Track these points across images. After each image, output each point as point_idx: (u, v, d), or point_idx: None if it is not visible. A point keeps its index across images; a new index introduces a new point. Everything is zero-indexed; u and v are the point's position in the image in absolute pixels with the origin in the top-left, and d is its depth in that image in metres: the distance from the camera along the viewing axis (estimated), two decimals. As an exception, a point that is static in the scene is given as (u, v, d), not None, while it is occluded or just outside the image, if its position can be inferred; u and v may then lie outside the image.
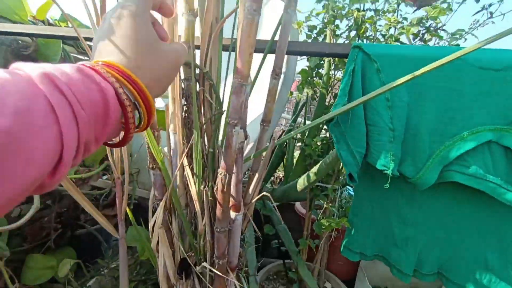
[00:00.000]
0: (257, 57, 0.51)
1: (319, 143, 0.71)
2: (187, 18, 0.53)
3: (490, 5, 0.73)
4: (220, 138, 0.56)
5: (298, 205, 1.07)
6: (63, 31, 0.72)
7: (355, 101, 0.40)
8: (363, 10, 0.80)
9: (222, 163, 0.47)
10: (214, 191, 0.53)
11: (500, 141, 0.51)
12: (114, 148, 0.62)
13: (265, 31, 0.75)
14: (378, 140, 0.53)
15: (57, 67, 0.22)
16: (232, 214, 0.52)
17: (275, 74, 0.56)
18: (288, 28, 0.54)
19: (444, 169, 0.53)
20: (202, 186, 0.52)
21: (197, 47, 0.55)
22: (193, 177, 0.52)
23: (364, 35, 0.77)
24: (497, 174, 0.52)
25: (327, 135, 0.86)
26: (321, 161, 0.68)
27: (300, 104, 0.90)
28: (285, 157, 0.97)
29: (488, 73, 0.49)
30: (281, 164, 1.03)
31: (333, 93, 0.81)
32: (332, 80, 0.76)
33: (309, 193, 0.83)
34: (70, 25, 1.24)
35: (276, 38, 0.53)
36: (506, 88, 0.49)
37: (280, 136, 1.02)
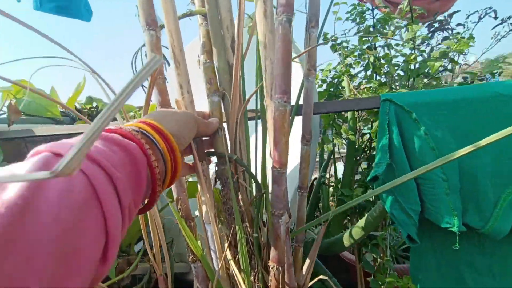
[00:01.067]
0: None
1: (359, 194, 0.67)
2: (211, 100, 0.54)
3: (510, 17, 0.70)
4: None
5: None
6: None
7: (409, 174, 0.37)
8: (375, 48, 0.79)
9: (272, 255, 0.44)
10: (265, 280, 0.49)
11: None
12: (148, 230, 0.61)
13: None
14: (433, 194, 0.49)
15: (79, 139, 0.22)
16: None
17: (306, 140, 0.54)
18: (311, 95, 0.53)
19: (516, 212, 0.47)
20: (252, 278, 0.48)
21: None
22: (240, 273, 0.49)
23: (381, 72, 0.75)
24: None
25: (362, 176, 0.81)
26: (367, 215, 0.63)
27: (327, 152, 0.87)
28: (320, 202, 0.93)
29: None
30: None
31: (361, 134, 0.78)
32: (359, 124, 0.73)
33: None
34: (94, 104, 1.32)
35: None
36: None
37: (312, 183, 0.98)
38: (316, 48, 0.52)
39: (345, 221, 0.87)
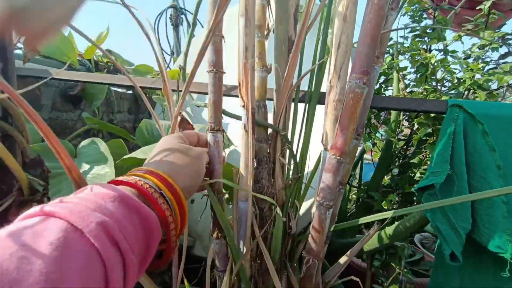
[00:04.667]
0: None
1: (394, 199, 0.63)
2: (260, 75, 0.49)
3: None
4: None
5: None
6: (115, 79, 0.70)
7: (475, 195, 0.33)
8: (430, 51, 0.74)
9: (310, 247, 0.40)
10: (289, 270, 0.46)
11: None
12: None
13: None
14: (489, 215, 0.45)
15: (98, 203, 0.21)
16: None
17: (357, 134, 0.50)
18: (374, 84, 0.48)
19: None
20: (279, 267, 0.45)
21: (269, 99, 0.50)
22: (270, 256, 0.45)
23: (433, 78, 0.70)
24: None
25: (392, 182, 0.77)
26: (398, 223, 0.60)
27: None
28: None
29: None
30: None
31: (398, 139, 0.73)
32: (401, 128, 0.69)
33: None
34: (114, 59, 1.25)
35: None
36: None
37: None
38: (389, 35, 0.47)
39: (360, 225, 0.84)
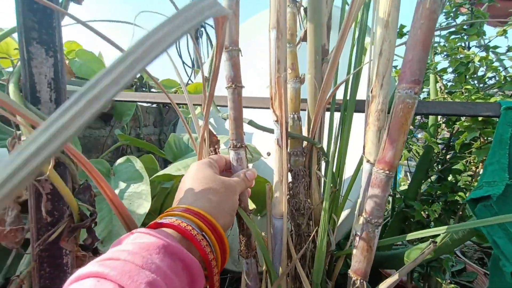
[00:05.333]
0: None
1: (437, 210, 0.59)
2: (293, 86, 0.48)
3: None
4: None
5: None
6: (148, 96, 0.72)
7: None
8: (469, 48, 0.69)
9: (357, 266, 0.38)
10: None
11: None
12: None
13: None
14: (555, 229, 0.40)
15: (145, 258, 0.21)
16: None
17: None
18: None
19: None
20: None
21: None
22: (307, 276, 0.43)
23: (475, 76, 0.65)
24: None
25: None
26: (445, 235, 0.55)
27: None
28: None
29: None
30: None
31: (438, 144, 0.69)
32: (440, 132, 0.65)
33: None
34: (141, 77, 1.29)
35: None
36: None
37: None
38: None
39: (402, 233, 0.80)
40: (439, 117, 0.65)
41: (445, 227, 0.39)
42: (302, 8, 0.53)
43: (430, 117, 0.67)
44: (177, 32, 0.13)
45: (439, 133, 0.67)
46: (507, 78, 0.57)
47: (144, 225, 0.78)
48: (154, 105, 1.41)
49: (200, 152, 0.46)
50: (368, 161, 0.40)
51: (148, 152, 0.98)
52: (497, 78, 0.66)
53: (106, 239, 0.46)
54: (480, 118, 0.52)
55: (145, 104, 1.36)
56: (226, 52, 0.42)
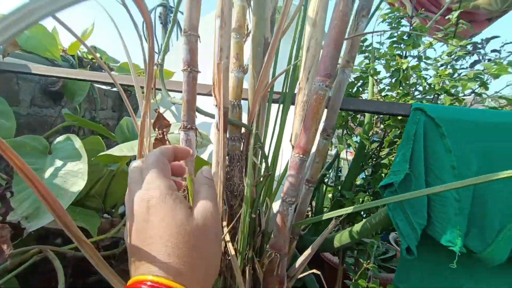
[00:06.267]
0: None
1: (363, 198, 0.66)
2: (236, 75, 0.50)
3: None
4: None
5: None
6: (96, 76, 0.71)
7: (427, 190, 0.35)
8: (406, 57, 0.77)
9: (273, 241, 0.42)
10: (256, 265, 0.48)
11: None
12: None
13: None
14: (442, 212, 0.48)
15: None
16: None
17: (326, 134, 0.52)
18: (343, 89, 0.50)
19: (516, 244, 0.48)
20: (246, 262, 0.47)
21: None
22: (236, 254, 0.47)
23: (407, 83, 0.73)
24: None
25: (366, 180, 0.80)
26: (365, 220, 0.62)
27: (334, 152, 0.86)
28: (314, 199, 0.92)
29: None
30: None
31: (372, 140, 0.76)
32: (374, 130, 0.72)
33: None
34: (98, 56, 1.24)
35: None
36: None
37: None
38: (359, 40, 0.49)
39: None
40: (374, 117, 0.72)
41: (352, 207, 0.44)
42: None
43: (366, 115, 0.74)
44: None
45: (376, 132, 0.75)
46: (431, 85, 0.65)
47: (80, 205, 0.74)
48: (115, 89, 1.36)
49: (141, 134, 0.47)
50: (293, 147, 0.44)
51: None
52: (427, 87, 0.75)
53: (33, 215, 0.45)
54: (400, 118, 0.59)
55: (103, 87, 1.31)
56: (184, 36, 0.43)
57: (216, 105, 0.47)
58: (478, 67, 0.77)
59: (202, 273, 0.23)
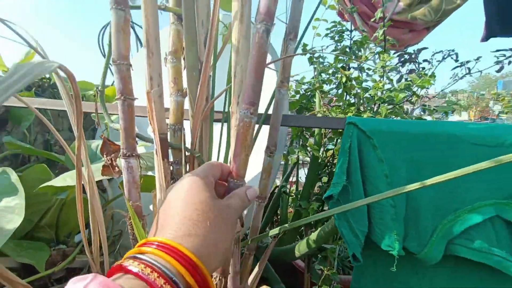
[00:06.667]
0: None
1: (315, 208, 0.68)
2: (175, 99, 0.51)
3: (468, 62, 0.77)
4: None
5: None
6: (36, 102, 0.68)
7: (363, 200, 0.38)
8: (349, 69, 0.82)
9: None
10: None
11: (501, 215, 0.50)
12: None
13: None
14: (380, 219, 0.51)
15: None
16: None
17: (270, 152, 0.54)
18: (281, 107, 0.52)
19: (449, 242, 0.52)
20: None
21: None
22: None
23: (352, 93, 0.78)
24: (501, 247, 0.50)
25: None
26: (319, 229, 0.65)
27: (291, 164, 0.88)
28: (279, 210, 0.94)
29: (483, 149, 0.49)
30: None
31: (325, 149, 0.80)
32: (324, 140, 0.75)
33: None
34: (47, 75, 1.18)
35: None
36: (502, 165, 0.49)
37: (273, 192, 0.98)
38: (292, 61, 0.52)
39: (300, 229, 0.89)
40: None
41: (300, 221, 0.46)
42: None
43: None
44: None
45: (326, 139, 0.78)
46: (369, 96, 0.70)
47: (30, 237, 0.70)
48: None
49: (77, 166, 0.45)
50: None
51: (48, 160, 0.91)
52: (369, 97, 0.79)
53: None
54: (340, 130, 0.62)
55: (57, 108, 1.25)
56: (114, 65, 0.43)
57: (153, 132, 0.47)
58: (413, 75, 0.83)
59: (212, 246, 0.25)
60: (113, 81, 1.59)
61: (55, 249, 0.71)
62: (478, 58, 0.84)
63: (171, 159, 0.51)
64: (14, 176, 0.53)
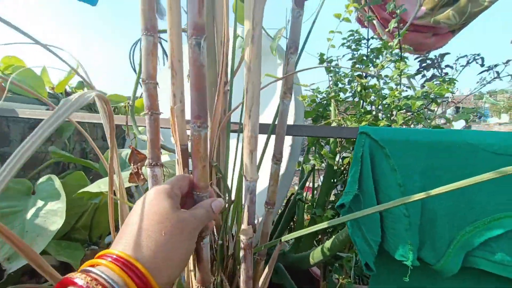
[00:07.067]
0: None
1: (329, 216, 0.69)
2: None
3: (496, 65, 0.74)
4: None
5: (312, 264, 1.02)
6: (77, 116, 0.76)
7: (373, 208, 0.39)
8: (365, 77, 0.82)
9: (197, 276, 0.45)
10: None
11: (525, 228, 0.48)
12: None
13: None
14: (393, 228, 0.51)
15: None
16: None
17: (276, 159, 0.56)
18: (285, 117, 0.55)
19: (467, 254, 0.50)
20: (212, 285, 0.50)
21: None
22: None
23: (368, 101, 0.78)
24: (525, 261, 0.48)
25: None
26: (334, 237, 0.65)
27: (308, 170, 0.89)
28: (295, 217, 0.95)
29: (503, 158, 0.48)
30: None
31: (341, 157, 0.80)
32: (339, 148, 0.76)
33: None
34: (85, 90, 1.30)
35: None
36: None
37: (289, 199, 1.00)
38: (294, 73, 0.54)
39: (317, 237, 0.90)
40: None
41: (309, 228, 0.47)
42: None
43: (331, 135, 0.78)
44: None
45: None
46: (385, 104, 0.69)
47: (67, 238, 0.78)
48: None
49: (110, 174, 0.51)
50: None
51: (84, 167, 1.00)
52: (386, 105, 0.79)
53: (14, 256, 0.49)
54: (352, 140, 0.63)
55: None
56: (143, 84, 0.48)
57: (175, 143, 0.51)
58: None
59: (164, 257, 0.26)
60: (141, 93, 1.71)
61: (89, 249, 0.79)
62: (507, 62, 0.80)
63: (191, 168, 0.55)
64: (57, 183, 0.61)
